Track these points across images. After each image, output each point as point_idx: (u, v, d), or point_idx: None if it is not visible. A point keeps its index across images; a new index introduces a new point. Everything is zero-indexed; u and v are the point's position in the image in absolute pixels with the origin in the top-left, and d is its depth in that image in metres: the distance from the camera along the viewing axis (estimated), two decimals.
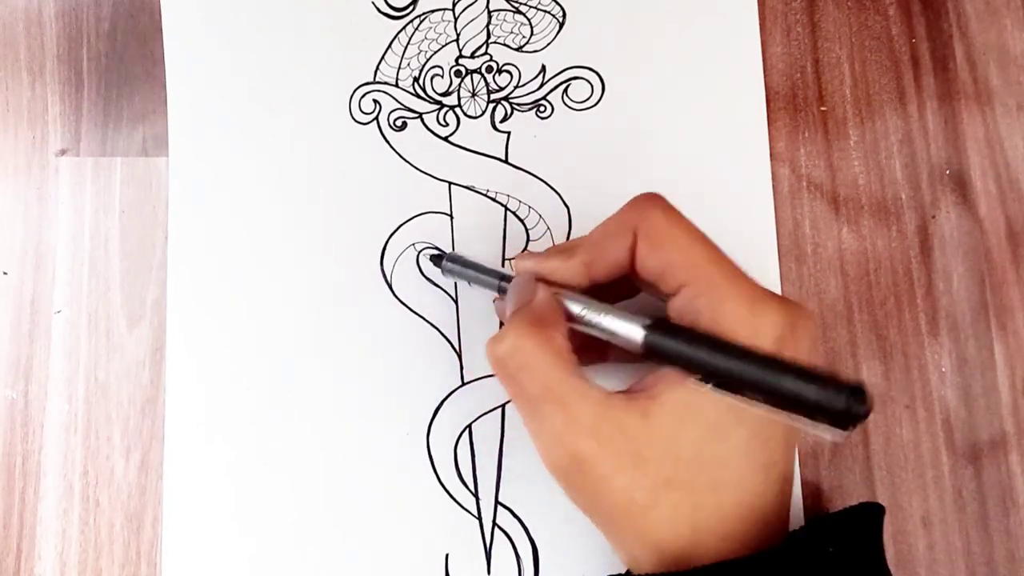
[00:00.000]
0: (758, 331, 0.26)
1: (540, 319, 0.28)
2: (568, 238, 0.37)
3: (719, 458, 0.26)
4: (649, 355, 0.27)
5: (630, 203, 0.29)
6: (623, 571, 0.29)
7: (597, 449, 0.26)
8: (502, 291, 0.31)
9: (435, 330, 0.37)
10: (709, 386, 0.26)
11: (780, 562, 0.26)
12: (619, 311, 0.28)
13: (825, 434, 0.24)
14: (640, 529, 0.27)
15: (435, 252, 0.35)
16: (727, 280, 0.27)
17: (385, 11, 0.39)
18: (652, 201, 0.29)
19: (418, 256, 0.36)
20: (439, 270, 0.35)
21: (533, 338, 0.27)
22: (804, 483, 0.36)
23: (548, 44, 0.39)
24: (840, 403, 0.23)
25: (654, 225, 0.28)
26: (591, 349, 0.31)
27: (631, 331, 0.27)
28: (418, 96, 0.38)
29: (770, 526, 0.27)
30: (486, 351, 0.28)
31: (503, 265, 0.37)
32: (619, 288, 0.31)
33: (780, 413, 0.25)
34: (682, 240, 0.28)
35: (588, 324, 0.28)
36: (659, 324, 0.27)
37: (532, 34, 0.39)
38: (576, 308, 0.28)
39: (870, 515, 0.28)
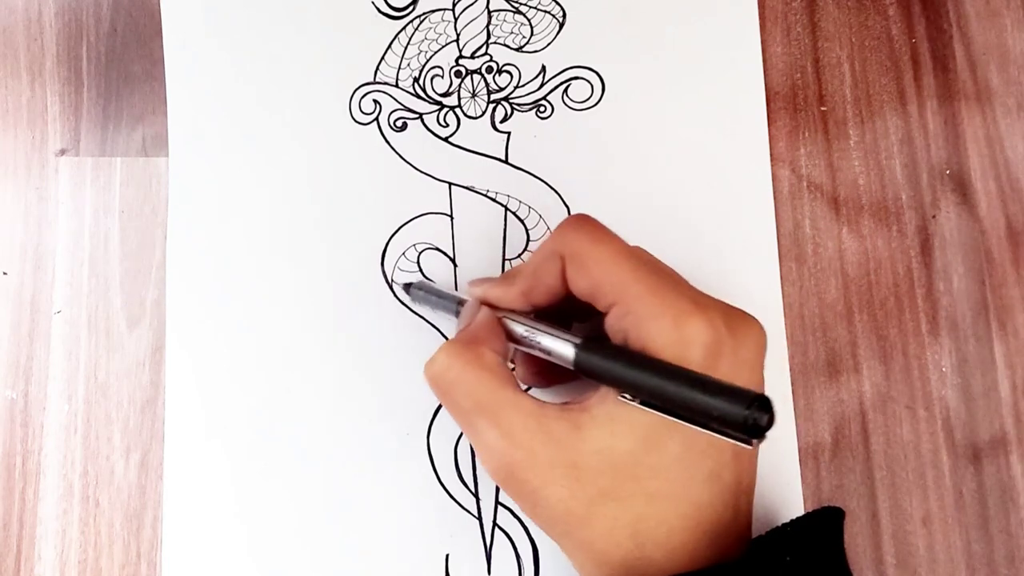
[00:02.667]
0: (684, 343, 0.26)
1: (471, 338, 0.29)
2: None
3: (656, 469, 0.26)
4: (581, 372, 0.28)
5: (556, 228, 0.30)
6: None
7: (530, 459, 0.27)
8: (459, 314, 0.32)
9: (435, 330, 0.37)
10: (637, 402, 0.26)
11: (734, 573, 0.25)
12: (556, 331, 0.29)
13: (739, 444, 0.25)
14: (582, 540, 0.27)
15: (407, 282, 0.36)
16: (651, 296, 0.27)
17: (385, 11, 0.39)
18: (576, 224, 0.29)
19: (405, 287, 0.36)
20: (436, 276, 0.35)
21: (462, 356, 0.28)
22: (804, 483, 0.36)
23: (548, 44, 0.39)
24: (740, 415, 0.24)
25: (578, 249, 0.29)
26: (552, 372, 0.32)
27: (564, 350, 0.28)
28: (418, 96, 0.38)
29: (724, 538, 0.27)
30: (423, 371, 0.29)
31: (503, 264, 0.37)
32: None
33: (695, 426, 0.25)
34: (606, 260, 0.28)
35: (530, 345, 0.29)
36: (587, 342, 0.28)
37: (532, 34, 0.39)
38: (519, 330, 0.30)
39: (830, 520, 0.28)
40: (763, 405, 0.24)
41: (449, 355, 0.28)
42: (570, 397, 0.30)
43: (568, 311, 0.31)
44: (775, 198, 0.38)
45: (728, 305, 0.28)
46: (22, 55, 0.39)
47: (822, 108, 0.39)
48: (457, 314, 0.32)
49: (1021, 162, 0.38)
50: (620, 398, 0.26)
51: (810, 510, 0.35)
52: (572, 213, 0.30)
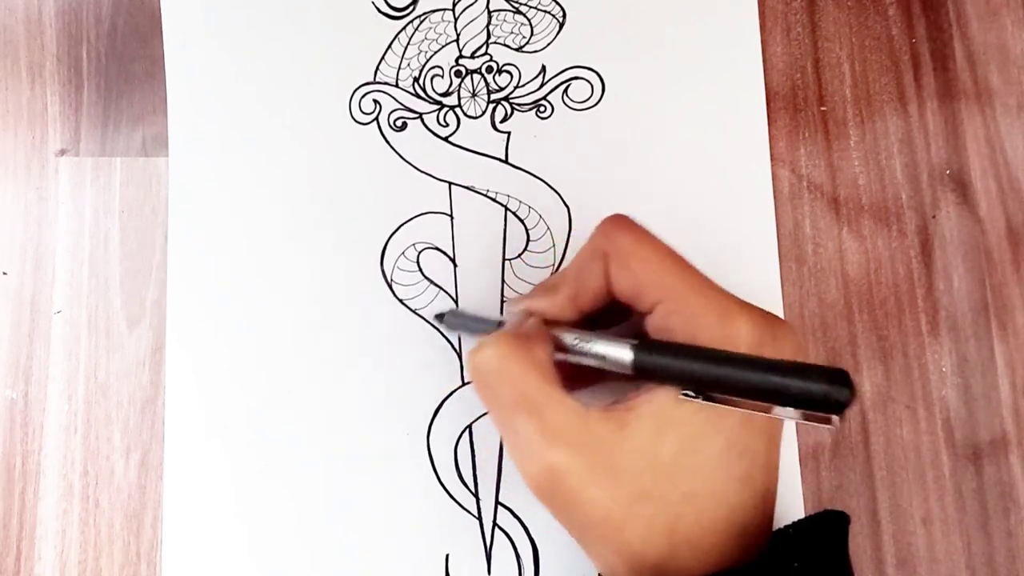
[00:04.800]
0: (731, 341, 0.26)
1: (523, 334, 0.29)
2: (568, 238, 0.37)
3: (695, 469, 0.26)
4: (639, 373, 0.28)
5: (598, 228, 0.30)
6: None
7: (572, 460, 0.26)
8: None
9: (435, 330, 0.37)
10: (699, 398, 0.26)
11: None
12: (608, 337, 0.28)
13: (820, 425, 0.25)
14: (616, 541, 0.27)
15: (439, 312, 0.36)
16: (697, 294, 0.27)
17: (385, 11, 0.39)
18: (618, 223, 0.29)
19: (437, 317, 0.36)
20: (442, 281, 0.35)
21: (511, 347, 0.28)
22: (804, 483, 0.36)
23: (548, 44, 0.39)
24: (821, 391, 0.23)
25: (621, 247, 0.29)
26: (581, 378, 0.32)
27: (620, 353, 0.28)
28: (418, 96, 0.38)
29: (749, 540, 0.27)
30: (466, 361, 0.28)
31: (503, 264, 0.37)
32: (611, 316, 0.31)
33: (769, 410, 0.25)
34: (650, 259, 0.28)
35: (581, 353, 0.29)
36: (645, 343, 0.28)
37: (532, 34, 0.39)
38: (569, 339, 0.29)
39: (836, 525, 0.28)
40: (843, 380, 0.23)
41: (498, 344, 0.28)
42: (602, 400, 0.30)
43: (596, 318, 0.31)
44: (775, 198, 0.38)
45: (766, 311, 0.28)
46: (22, 55, 0.39)
47: (822, 108, 0.39)
48: None
49: (1021, 162, 0.38)
50: (681, 396, 0.26)
51: (811, 511, 0.35)
52: (610, 216, 0.30)
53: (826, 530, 0.28)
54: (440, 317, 0.36)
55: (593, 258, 0.29)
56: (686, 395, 0.26)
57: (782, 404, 0.25)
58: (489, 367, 0.28)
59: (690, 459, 0.26)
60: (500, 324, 0.32)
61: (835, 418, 0.24)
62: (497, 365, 0.28)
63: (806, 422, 0.25)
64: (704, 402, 0.26)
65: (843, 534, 0.28)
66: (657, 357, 0.27)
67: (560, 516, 0.28)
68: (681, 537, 0.26)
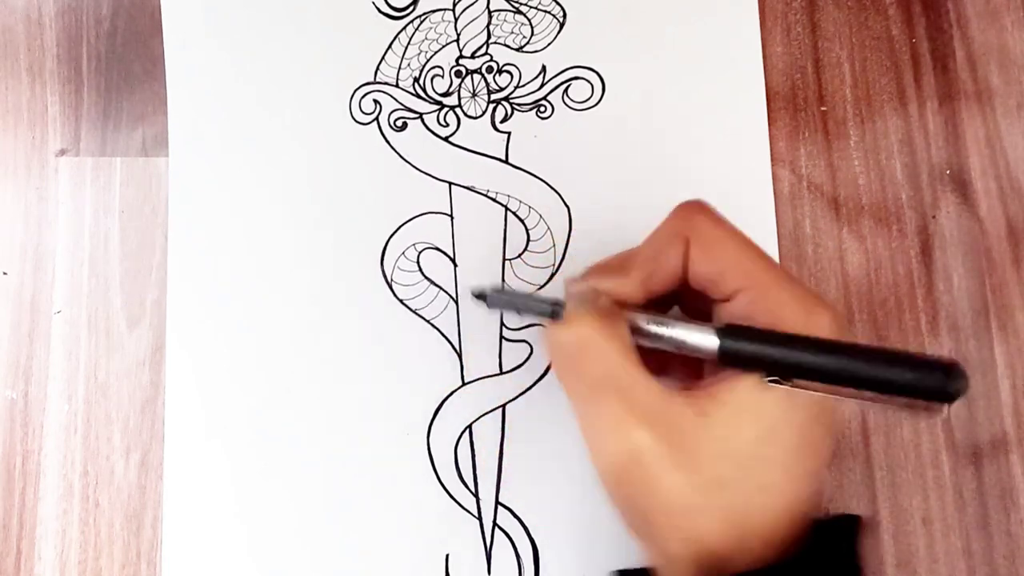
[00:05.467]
0: (814, 333, 0.26)
1: (605, 313, 0.27)
2: (568, 238, 0.37)
3: (770, 461, 0.26)
4: (724, 359, 0.27)
5: (675, 211, 0.29)
6: (633, 567, 0.28)
7: (654, 443, 0.26)
8: (555, 315, 0.28)
9: (435, 330, 0.37)
10: (787, 384, 0.26)
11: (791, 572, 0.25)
12: (687, 321, 0.28)
13: (920, 414, 0.24)
14: (687, 529, 0.26)
15: (478, 290, 0.30)
16: (781, 285, 0.27)
17: (385, 11, 0.39)
18: (699, 208, 0.29)
19: (478, 296, 0.31)
20: (445, 279, 0.35)
21: (598, 325, 0.27)
22: None
23: (548, 44, 0.39)
24: (937, 382, 0.23)
25: (704, 232, 0.28)
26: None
27: (703, 339, 0.27)
28: (418, 96, 0.38)
29: (799, 534, 0.27)
30: (545, 339, 0.28)
31: (503, 264, 0.37)
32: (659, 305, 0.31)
33: (870, 399, 0.25)
34: (733, 246, 0.28)
35: (656, 337, 0.28)
36: (732, 329, 0.27)
37: (532, 34, 0.39)
38: (642, 322, 0.28)
39: (847, 529, 0.28)
40: (958, 372, 0.23)
41: (584, 323, 0.27)
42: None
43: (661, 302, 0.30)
44: (775, 198, 0.38)
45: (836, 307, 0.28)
46: (22, 55, 0.39)
47: (822, 108, 0.39)
48: (552, 315, 0.28)
49: (1021, 162, 0.38)
50: (768, 383, 0.26)
51: (816, 510, 0.35)
52: (688, 201, 0.29)
53: (839, 533, 0.27)
54: (481, 296, 0.30)
55: (671, 241, 0.28)
56: (774, 381, 0.26)
57: (884, 392, 0.24)
58: (575, 343, 0.27)
59: (767, 450, 0.26)
60: (555, 303, 0.29)
61: (946, 407, 0.24)
62: (583, 343, 0.27)
63: (908, 411, 0.25)
64: (790, 388, 0.25)
65: (856, 537, 0.28)
66: (749, 344, 0.26)
67: (628, 502, 0.27)
68: (751, 528, 0.26)
